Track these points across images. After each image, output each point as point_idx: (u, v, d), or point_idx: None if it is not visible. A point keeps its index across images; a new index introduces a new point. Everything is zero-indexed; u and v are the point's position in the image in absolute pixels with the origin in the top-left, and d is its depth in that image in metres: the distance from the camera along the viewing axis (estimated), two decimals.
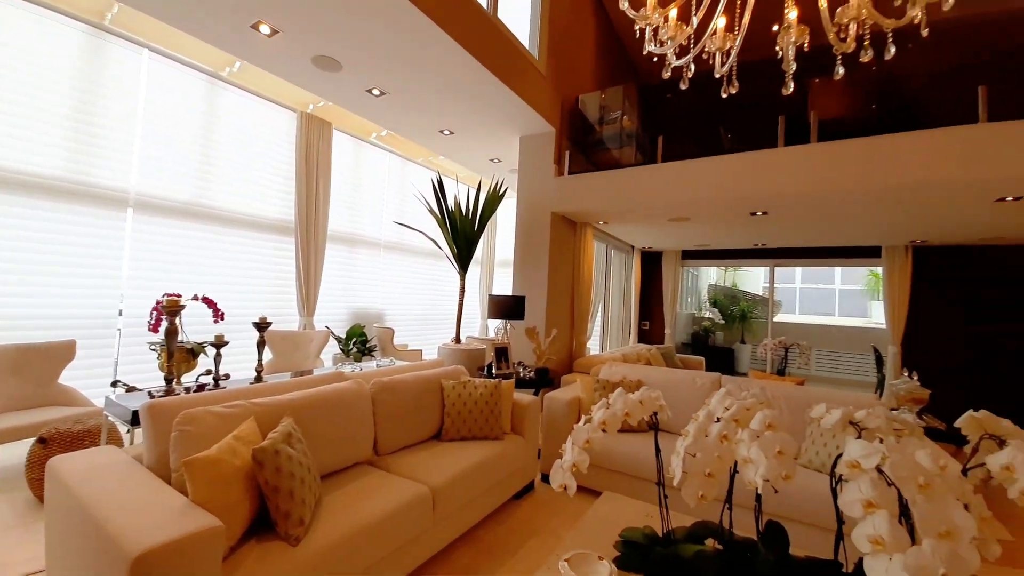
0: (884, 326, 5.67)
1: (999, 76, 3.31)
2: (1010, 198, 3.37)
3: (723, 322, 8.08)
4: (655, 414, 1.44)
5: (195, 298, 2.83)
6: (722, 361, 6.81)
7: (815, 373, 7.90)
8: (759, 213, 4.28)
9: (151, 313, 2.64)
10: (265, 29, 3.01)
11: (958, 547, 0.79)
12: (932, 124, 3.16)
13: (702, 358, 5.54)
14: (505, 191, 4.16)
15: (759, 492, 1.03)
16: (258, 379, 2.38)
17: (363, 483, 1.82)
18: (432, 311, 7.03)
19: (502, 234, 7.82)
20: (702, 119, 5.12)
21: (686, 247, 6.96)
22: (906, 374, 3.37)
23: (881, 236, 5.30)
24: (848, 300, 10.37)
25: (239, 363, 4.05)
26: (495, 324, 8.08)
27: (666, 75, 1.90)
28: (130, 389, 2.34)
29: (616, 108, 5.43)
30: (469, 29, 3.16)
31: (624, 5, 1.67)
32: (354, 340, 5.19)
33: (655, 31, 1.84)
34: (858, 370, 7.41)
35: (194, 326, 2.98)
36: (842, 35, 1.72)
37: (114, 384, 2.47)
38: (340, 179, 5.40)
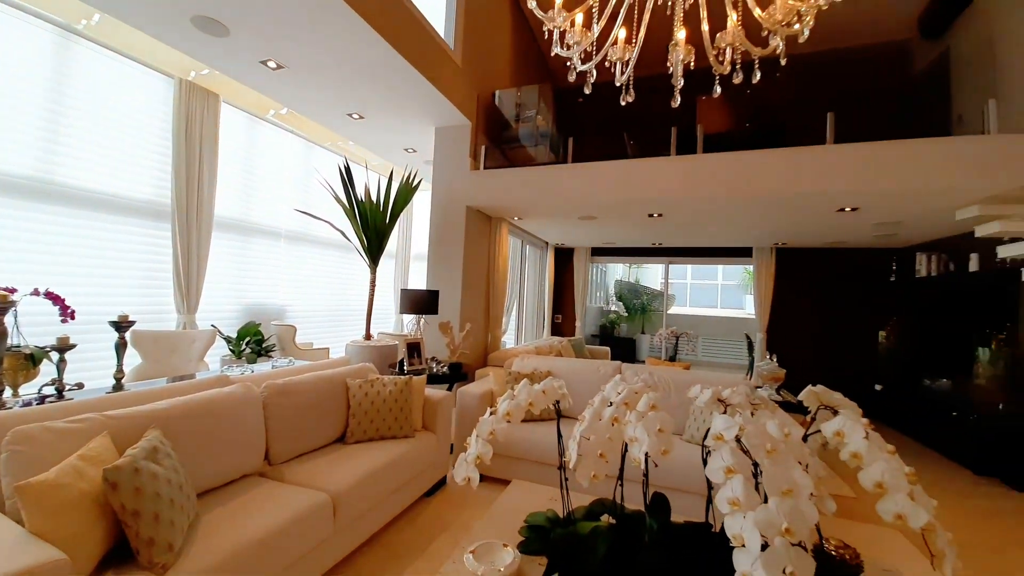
0: (754, 316, 6.57)
1: (843, 105, 3.96)
2: (848, 209, 4.08)
3: (627, 315, 8.75)
4: (557, 402, 1.51)
5: (35, 293, 2.34)
6: (625, 350, 7.38)
7: (701, 358, 8.92)
8: (655, 215, 4.69)
9: None
10: None
11: (799, 503, 0.94)
12: (792, 143, 3.70)
13: (608, 348, 5.95)
14: (419, 183, 4.05)
15: (645, 467, 1.14)
16: (118, 387, 2.04)
17: (251, 496, 1.66)
18: (341, 307, 6.62)
19: (419, 227, 7.61)
20: (610, 125, 5.45)
21: (595, 244, 7.39)
22: (768, 357, 3.95)
23: (752, 239, 6.12)
24: (728, 294, 11.86)
25: (100, 370, 3.44)
26: (410, 319, 7.86)
27: (571, 79, 1.98)
28: None
29: (531, 107, 5.56)
30: (380, 9, 3.00)
31: (532, 4, 1.71)
32: (248, 340, 4.70)
33: (562, 34, 1.91)
34: (735, 355, 8.52)
35: (39, 327, 2.47)
36: (720, 58, 1.93)
37: None
38: (230, 159, 4.82)
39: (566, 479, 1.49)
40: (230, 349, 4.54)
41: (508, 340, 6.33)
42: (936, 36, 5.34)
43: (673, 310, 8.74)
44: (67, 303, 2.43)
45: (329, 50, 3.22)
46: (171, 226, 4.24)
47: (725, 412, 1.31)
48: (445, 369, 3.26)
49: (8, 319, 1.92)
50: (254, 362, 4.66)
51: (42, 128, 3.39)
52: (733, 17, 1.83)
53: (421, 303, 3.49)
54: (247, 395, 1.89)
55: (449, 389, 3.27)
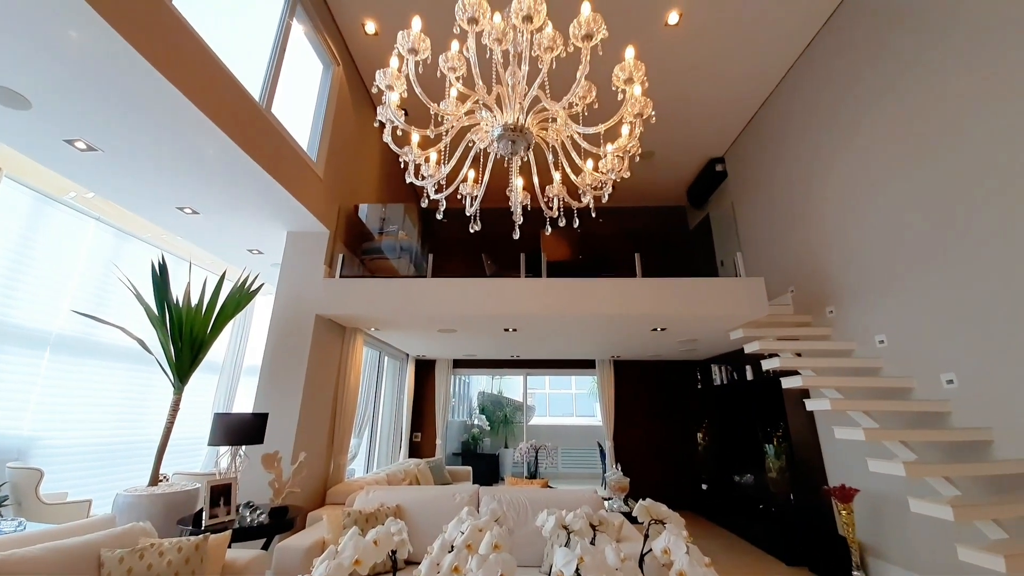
0: (602, 424, 7.07)
1: (648, 247, 4.98)
2: (659, 328, 4.93)
3: (490, 428, 8.58)
4: (394, 553, 1.29)
5: None
6: (488, 468, 7.06)
7: (561, 470, 9.01)
8: (511, 329, 4.98)
9: None
10: None
11: None
12: (615, 273, 4.46)
13: (469, 468, 5.60)
14: (260, 287, 3.65)
15: None
16: None
17: None
18: (132, 438, 5.05)
19: (257, 335, 6.65)
20: (470, 245, 5.93)
21: (457, 356, 7.39)
22: (615, 466, 4.17)
23: (594, 351, 6.88)
24: (581, 402, 12.72)
25: None
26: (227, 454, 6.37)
27: (424, 204, 2.13)
28: None
29: (396, 222, 5.78)
30: (231, 112, 2.92)
31: (388, 139, 1.86)
32: None
33: (418, 167, 2.09)
34: (589, 464, 8.84)
35: None
36: (549, 205, 2.32)
37: None
38: None
39: None
40: None
41: (357, 467, 5.52)
42: (700, 206, 7.44)
43: (534, 421, 8.90)
44: None
45: (159, 138, 2.94)
46: None
47: (569, 538, 1.27)
48: (263, 518, 2.59)
49: None
50: None
51: None
52: (557, 177, 2.26)
53: (243, 431, 2.87)
54: None
55: (266, 546, 2.59)
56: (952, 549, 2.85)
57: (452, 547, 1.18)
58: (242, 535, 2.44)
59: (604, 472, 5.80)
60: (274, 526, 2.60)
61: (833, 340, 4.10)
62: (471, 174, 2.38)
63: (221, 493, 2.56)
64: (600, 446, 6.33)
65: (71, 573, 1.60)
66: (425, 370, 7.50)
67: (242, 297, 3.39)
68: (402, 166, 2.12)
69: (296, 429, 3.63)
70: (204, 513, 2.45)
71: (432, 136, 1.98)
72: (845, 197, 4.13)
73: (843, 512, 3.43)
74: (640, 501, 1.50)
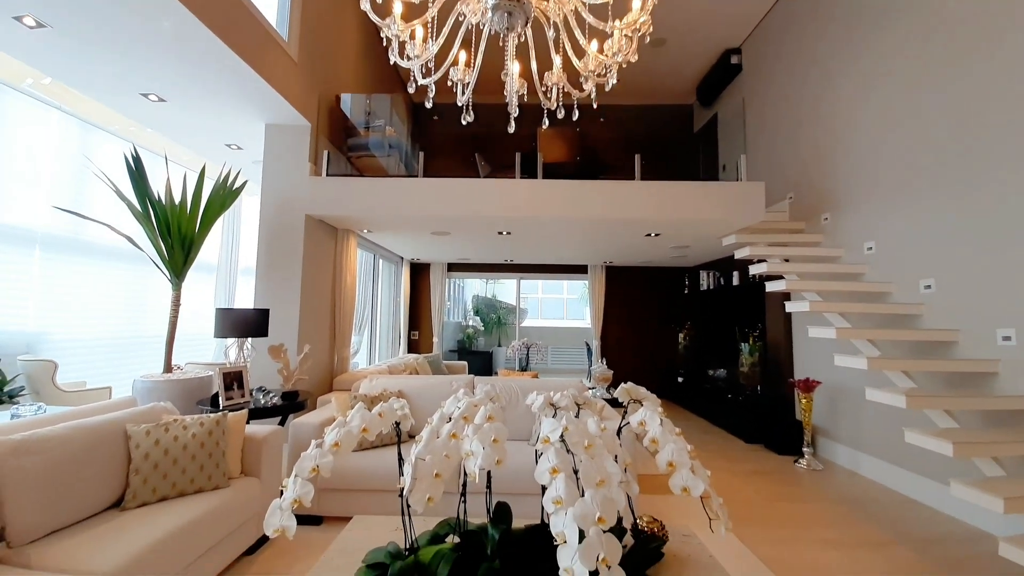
0: (590, 326, 7.43)
1: (647, 149, 4.76)
2: (653, 234, 4.93)
3: (484, 329, 9.00)
4: (398, 424, 1.42)
5: None
6: (483, 364, 7.55)
7: (551, 366, 9.68)
8: (505, 232, 4.95)
9: None
10: None
11: (610, 491, 1.04)
12: (611, 178, 4.32)
13: (465, 363, 5.99)
14: (243, 184, 3.51)
15: (488, 480, 1.13)
16: None
17: None
18: (137, 334, 5.26)
19: (250, 237, 6.58)
20: (463, 145, 5.63)
21: (451, 260, 7.45)
22: (600, 361, 4.48)
23: (587, 257, 6.95)
24: (572, 307, 13.23)
25: None
26: (235, 347, 6.69)
27: (411, 90, 1.96)
28: None
29: (383, 116, 5.39)
30: None
31: (365, 5, 1.64)
32: None
33: (402, 45, 1.88)
34: (578, 361, 9.49)
35: None
36: (548, 95, 2.14)
37: None
38: None
39: (408, 506, 1.40)
40: None
41: (360, 361, 5.88)
42: (708, 104, 6.95)
43: (526, 323, 9.31)
44: None
45: (112, 12, 2.58)
46: None
47: (555, 415, 1.39)
48: (276, 400, 2.82)
49: None
50: None
51: None
52: (557, 61, 2.06)
53: (247, 324, 2.98)
54: None
55: (281, 423, 2.85)
56: (899, 433, 3.21)
57: (450, 419, 1.30)
58: (258, 415, 2.67)
59: (590, 367, 6.26)
60: (287, 407, 2.84)
61: (824, 247, 4.15)
62: (462, 56, 2.16)
63: (234, 379, 2.75)
64: (588, 345, 6.73)
65: (100, 443, 1.77)
66: (420, 273, 7.61)
67: (227, 195, 3.27)
68: (384, 43, 1.91)
69: (298, 324, 3.77)
70: (220, 396, 2.66)
71: (417, 2, 1.75)
72: (859, 101, 3.87)
73: (803, 400, 3.80)
74: (623, 384, 1.61)
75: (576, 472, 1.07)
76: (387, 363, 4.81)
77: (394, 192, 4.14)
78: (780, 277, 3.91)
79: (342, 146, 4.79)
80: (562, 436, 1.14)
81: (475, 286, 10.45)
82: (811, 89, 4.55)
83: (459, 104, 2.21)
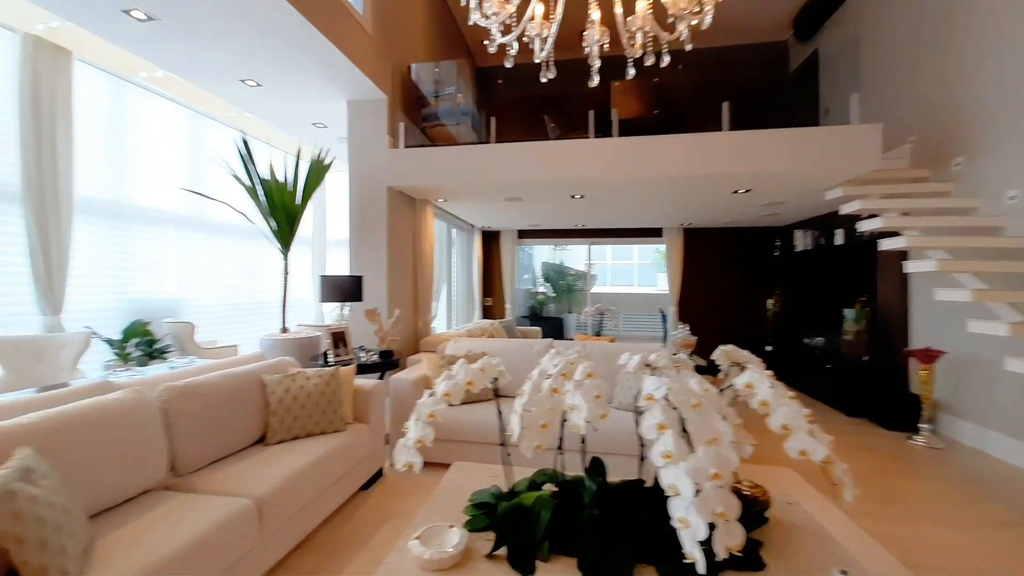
0: (666, 291, 7.14)
1: (735, 96, 4.34)
2: (741, 190, 4.54)
3: (554, 295, 9.04)
4: (495, 380, 1.51)
5: None
6: (554, 329, 7.64)
7: (622, 332, 9.54)
8: (577, 196, 4.84)
9: None
10: None
11: (722, 449, 1.03)
12: (692, 130, 4.00)
13: (538, 328, 6.10)
14: (332, 160, 3.76)
15: (583, 433, 1.18)
16: None
17: (157, 513, 1.46)
18: (250, 299, 5.99)
19: (334, 211, 7.10)
20: (531, 107, 5.50)
21: (521, 227, 7.48)
22: (680, 326, 4.32)
23: (663, 219, 6.60)
24: (643, 272, 12.77)
25: None
26: (332, 310, 7.39)
27: (492, 50, 1.94)
28: None
29: (450, 83, 5.40)
30: None
31: None
32: (136, 341, 4.08)
33: (480, 2, 1.85)
34: (651, 328, 9.25)
35: None
36: (632, 42, 2.01)
37: None
38: (92, 130, 4.05)
39: (508, 454, 1.50)
40: (115, 353, 3.93)
41: (438, 325, 6.22)
42: (807, 38, 6.08)
43: (595, 289, 9.20)
44: None
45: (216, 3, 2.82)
46: (22, 211, 3.50)
47: (652, 375, 1.38)
48: (375, 357, 3.11)
49: None
50: (145, 365, 4.08)
51: None
52: (643, 2, 1.91)
53: (344, 290, 3.28)
54: (138, 401, 1.64)
55: (380, 378, 3.14)
56: None
57: (549, 376, 1.35)
58: (360, 370, 2.96)
59: (666, 334, 6.08)
60: (383, 364, 3.12)
61: (954, 197, 3.56)
62: (539, 9, 2.07)
63: (339, 338, 3.06)
64: (662, 312, 6.52)
65: (243, 389, 2.08)
66: (491, 241, 7.74)
67: (319, 170, 3.54)
68: (462, 2, 1.89)
69: (387, 290, 4.06)
70: (329, 352, 2.98)
71: None
72: (1003, 17, 3.15)
73: (922, 372, 3.40)
74: (721, 347, 1.55)
75: (685, 429, 1.07)
76: (465, 328, 5.04)
77: (467, 159, 4.19)
78: (897, 234, 3.44)
79: (415, 116, 4.91)
80: (665, 395, 1.13)
81: (543, 253, 10.45)
82: (940, 5, 3.78)
83: (537, 61, 2.15)
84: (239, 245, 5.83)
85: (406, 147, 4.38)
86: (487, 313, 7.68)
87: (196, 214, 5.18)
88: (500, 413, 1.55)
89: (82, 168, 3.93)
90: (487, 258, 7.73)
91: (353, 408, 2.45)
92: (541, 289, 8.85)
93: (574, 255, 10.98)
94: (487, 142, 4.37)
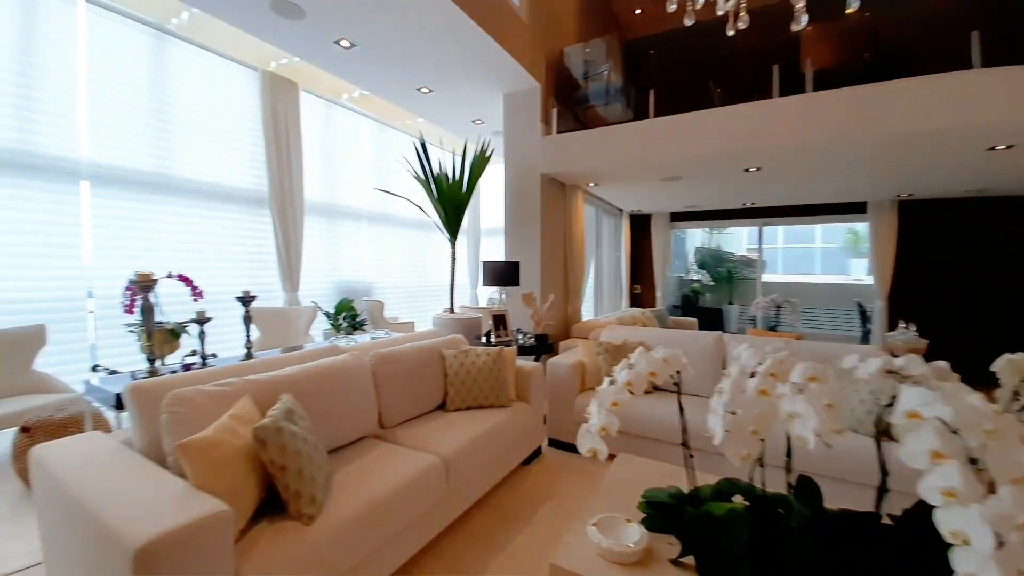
0: (868, 281, 5.77)
1: (991, 22, 3.20)
2: (1002, 146, 3.36)
3: (712, 283, 8.16)
4: (677, 373, 1.38)
5: (169, 276, 2.63)
6: (711, 321, 6.90)
7: (802, 330, 8.11)
8: (752, 169, 4.21)
9: (124, 293, 2.44)
10: None
11: None
12: (922, 72, 3.07)
13: (694, 319, 5.58)
14: (491, 152, 3.97)
15: (811, 448, 0.99)
16: (248, 356, 2.24)
17: (372, 457, 1.76)
18: (420, 282, 6.87)
19: (487, 202, 7.61)
20: (687, 74, 4.94)
21: (675, 209, 6.89)
22: (903, 326, 3.41)
23: (867, 192, 5.31)
24: (829, 258, 10.59)
25: (225, 343, 3.86)
26: (485, 295, 7.99)
27: (671, 8, 1.75)
28: (112, 373, 2.18)
29: (600, 62, 5.19)
30: None
31: None
32: (343, 315, 5.04)
33: None
34: (840, 325, 7.63)
35: (173, 306, 2.78)
36: None
37: (95, 368, 2.31)
38: (312, 145, 5.08)
39: (691, 456, 1.37)
40: (330, 323, 4.90)
41: (585, 312, 6.20)
42: None
43: (764, 277, 8.00)
44: (195, 284, 2.71)
45: (398, 21, 3.19)
46: (270, 211, 4.60)
47: (909, 386, 1.09)
48: (532, 340, 3.23)
49: (152, 297, 2.17)
50: (351, 334, 5.00)
51: (153, 126, 3.76)
52: None
53: (503, 274, 3.47)
54: (357, 363, 1.98)
55: (536, 360, 3.25)
56: None
57: (752, 374, 1.17)
58: (519, 351, 3.11)
59: (865, 334, 4.92)
60: (539, 347, 3.22)
61: None
62: None
63: (499, 320, 3.27)
64: (860, 306, 5.28)
65: (428, 360, 2.34)
66: (641, 225, 7.33)
67: (481, 162, 3.78)
68: None
69: (539, 276, 4.18)
70: (491, 334, 3.20)
71: None
72: None
73: None
74: (1007, 355, 1.16)
75: (973, 460, 0.80)
76: (615, 315, 4.89)
77: (622, 139, 3.99)
78: None
79: (566, 101, 4.87)
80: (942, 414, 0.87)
81: (695, 238, 9.50)
82: None
83: (720, 13, 1.88)
84: (412, 236, 6.70)
85: (558, 133, 4.38)
86: (635, 301, 7.35)
87: (382, 210, 6.12)
88: (682, 410, 1.43)
89: (308, 177, 4.96)
90: (636, 243, 7.36)
91: (516, 387, 2.57)
92: (696, 276, 8.07)
93: (733, 239, 9.73)
94: (642, 118, 4.08)
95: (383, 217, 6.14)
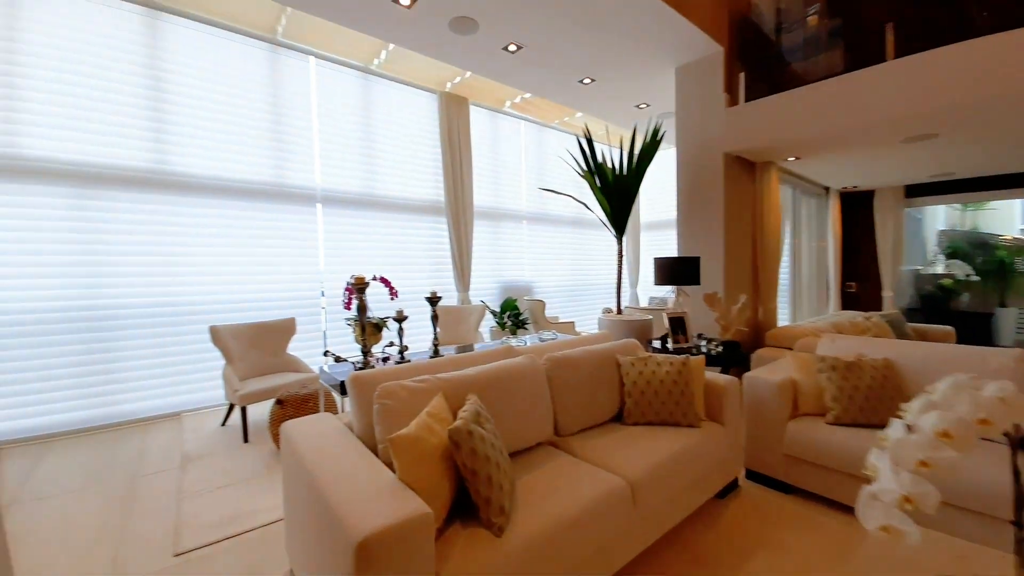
0: None
1: None
2: None
3: (971, 278, 5.97)
4: (1017, 426, 0.89)
5: (374, 278, 3.04)
6: (977, 330, 5.01)
7: None
8: None
9: (344, 293, 2.91)
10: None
11: None
12: None
13: (949, 327, 4.10)
14: (663, 134, 3.55)
15: None
16: (435, 353, 2.41)
17: (552, 468, 1.65)
18: (578, 281, 6.76)
19: (645, 195, 7.06)
20: (920, 2, 3.60)
21: (915, 180, 5.22)
22: None
23: None
24: None
25: (412, 337, 4.38)
26: (645, 294, 7.44)
27: None
28: (338, 359, 2.60)
29: (802, 5, 4.21)
30: None
31: None
32: (508, 313, 5.24)
33: None
34: None
35: (374, 304, 3.23)
36: None
37: (325, 354, 2.79)
38: (479, 154, 5.42)
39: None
40: (496, 321, 5.16)
41: (780, 316, 5.19)
42: None
43: None
44: (392, 285, 3.06)
45: (565, 11, 3.07)
46: (446, 219, 5.06)
47: None
48: (719, 348, 2.75)
49: (365, 297, 2.49)
50: (515, 334, 5.17)
51: (362, 153, 4.49)
52: None
53: (679, 272, 3.05)
54: (533, 366, 1.91)
55: (722, 372, 2.76)
56: None
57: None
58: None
59: None
60: (728, 357, 2.71)
61: None
62: None
63: (677, 324, 2.88)
64: None
65: (603, 366, 2.14)
66: (856, 205, 5.80)
67: (651, 146, 3.41)
68: None
69: (722, 273, 3.59)
70: (669, 338, 2.84)
71: None
72: None
73: None
74: None
75: None
76: (824, 320, 3.92)
77: (842, 94, 3.12)
78: None
79: (754, 64, 4.08)
80: None
81: (938, 217, 7.11)
82: None
83: None
84: (571, 234, 6.64)
85: (747, 102, 3.69)
86: (850, 302, 5.85)
87: (540, 211, 6.21)
88: (1018, 475, 0.92)
89: (476, 184, 5.33)
90: (849, 229, 5.85)
91: (705, 404, 2.18)
92: (947, 270, 6.01)
93: (997, 218, 6.97)
94: (866, 66, 3.11)
95: (542, 217, 6.22)
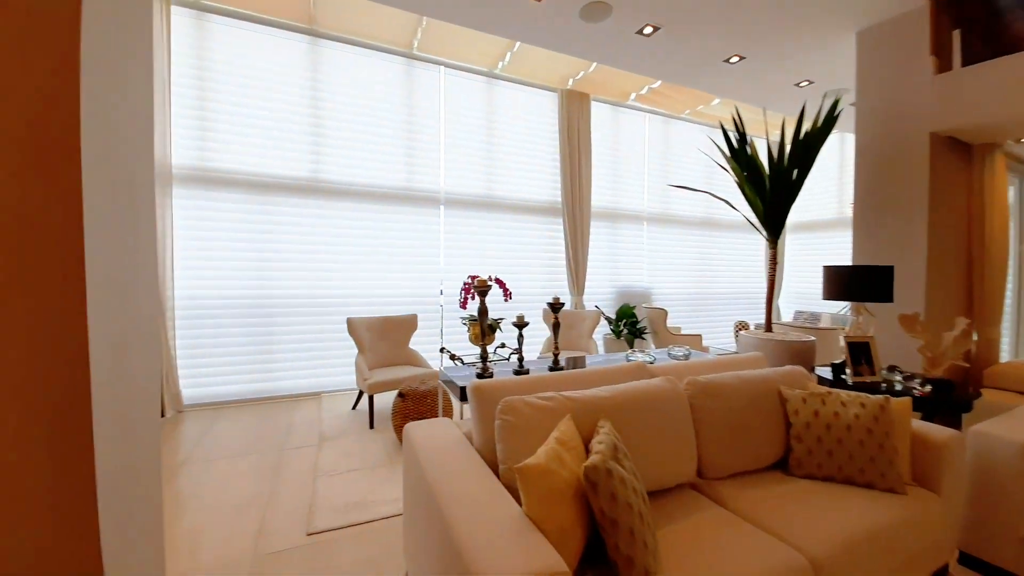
0: None
1: None
2: None
3: None
4: None
5: (489, 279, 2.99)
6: None
7: None
8: None
9: (460, 292, 2.90)
10: None
11: None
12: None
13: None
14: (840, 112, 2.87)
15: None
16: (555, 362, 2.23)
17: (700, 521, 1.34)
18: (704, 290, 6.04)
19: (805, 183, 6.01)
20: None
21: None
22: None
23: None
24: None
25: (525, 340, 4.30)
26: (788, 308, 6.35)
27: None
28: (452, 357, 2.59)
29: None
30: None
31: None
32: (624, 321, 4.86)
33: None
34: None
35: (489, 304, 3.18)
36: None
37: (441, 350, 2.81)
38: (599, 152, 5.14)
39: None
40: (611, 329, 4.82)
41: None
42: None
43: None
44: (507, 286, 2.96)
45: None
46: (562, 220, 4.88)
47: None
48: (926, 388, 2.08)
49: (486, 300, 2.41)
50: (632, 344, 4.77)
51: (483, 156, 4.54)
52: None
53: (863, 285, 2.40)
54: (674, 390, 1.61)
55: (924, 418, 2.09)
56: None
57: None
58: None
59: None
60: (938, 400, 2.04)
61: None
62: None
63: (860, 351, 2.26)
64: None
65: (760, 397, 1.73)
66: None
67: (823, 131, 2.78)
68: None
69: (925, 287, 2.77)
70: (847, 368, 2.25)
71: None
72: None
73: None
74: None
75: None
76: None
77: None
78: None
79: (972, 20, 3.11)
80: None
81: None
82: None
83: None
84: (698, 237, 5.97)
85: (965, 65, 2.82)
86: None
87: (663, 211, 5.68)
88: None
89: (595, 183, 5.06)
90: None
91: (911, 463, 1.63)
92: None
93: None
94: None
95: (665, 217, 5.68)
